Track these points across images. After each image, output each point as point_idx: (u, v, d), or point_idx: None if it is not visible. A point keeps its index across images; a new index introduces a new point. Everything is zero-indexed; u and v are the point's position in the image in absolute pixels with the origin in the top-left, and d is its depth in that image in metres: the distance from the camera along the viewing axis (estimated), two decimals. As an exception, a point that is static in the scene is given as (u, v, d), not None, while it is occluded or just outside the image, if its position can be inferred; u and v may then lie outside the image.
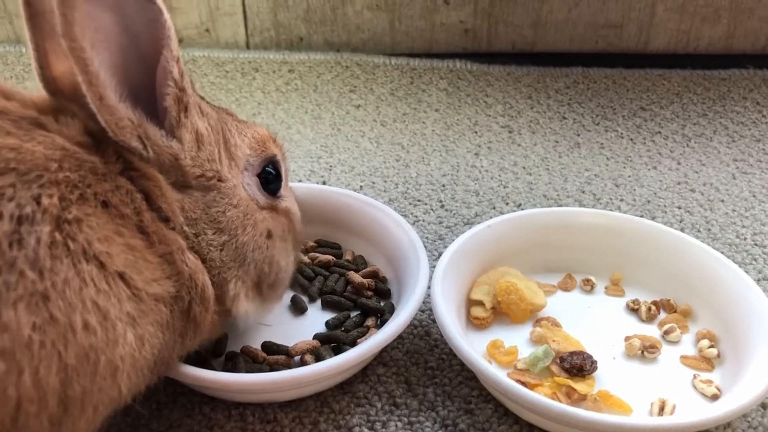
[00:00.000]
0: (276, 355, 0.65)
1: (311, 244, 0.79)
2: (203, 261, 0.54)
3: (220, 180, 0.55)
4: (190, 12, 1.28)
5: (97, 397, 0.41)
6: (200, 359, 0.64)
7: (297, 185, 0.80)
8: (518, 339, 0.68)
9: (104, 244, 0.43)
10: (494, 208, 0.91)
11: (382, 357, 0.68)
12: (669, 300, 0.72)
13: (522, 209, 0.87)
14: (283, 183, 0.63)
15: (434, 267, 0.69)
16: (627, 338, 0.68)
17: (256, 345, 0.66)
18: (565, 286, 0.75)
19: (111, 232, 0.44)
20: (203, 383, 0.59)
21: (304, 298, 0.72)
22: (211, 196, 0.54)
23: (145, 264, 0.46)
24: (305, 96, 1.19)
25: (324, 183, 0.95)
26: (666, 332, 0.69)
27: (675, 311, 0.72)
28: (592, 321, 0.71)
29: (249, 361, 0.64)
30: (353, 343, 0.66)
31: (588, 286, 0.75)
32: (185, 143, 0.52)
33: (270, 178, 0.61)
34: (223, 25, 1.30)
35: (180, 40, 1.30)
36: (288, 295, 0.73)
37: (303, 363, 0.65)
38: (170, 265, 0.49)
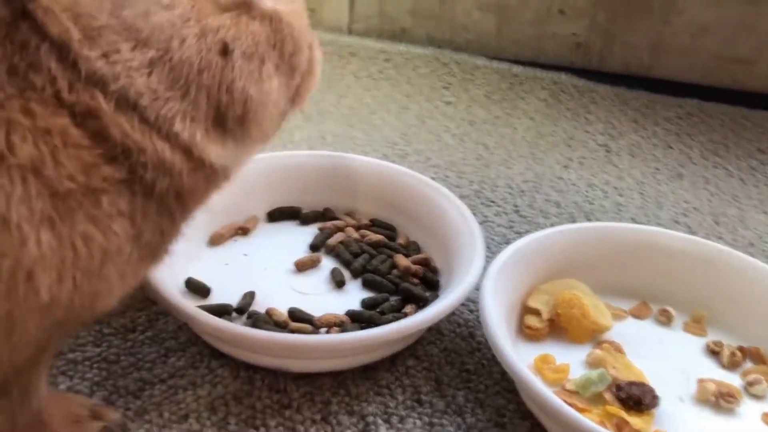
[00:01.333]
0: (300, 323, 0.59)
1: (365, 222, 0.73)
2: (133, 108, 0.40)
3: None
4: (298, -10, 1.27)
5: (4, 307, 0.36)
6: (219, 311, 0.59)
7: (356, 157, 0.76)
8: (572, 358, 0.60)
9: (3, 129, 0.35)
10: (574, 221, 0.83)
11: (415, 349, 0.61)
12: (758, 349, 0.62)
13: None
14: None
15: (493, 260, 0.62)
16: (701, 380, 0.58)
17: (283, 309, 0.61)
18: (638, 314, 0.66)
19: (17, 112, 0.36)
20: (214, 332, 0.54)
21: (345, 273, 0.66)
22: None
23: (71, 151, 0.37)
24: (396, 86, 1.14)
25: (395, 168, 0.89)
26: (749, 383, 0.59)
27: (764, 363, 0.61)
28: (663, 356, 0.62)
29: (270, 323, 0.59)
30: (386, 327, 0.59)
31: (664, 318, 0.65)
32: None
33: None
34: (329, 7, 1.28)
35: (284, 17, 1.29)
36: (328, 267, 0.67)
37: (328, 337, 0.59)
38: (105, 141, 0.39)
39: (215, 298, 0.63)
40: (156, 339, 0.60)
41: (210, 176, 0.45)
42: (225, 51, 0.42)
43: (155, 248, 0.45)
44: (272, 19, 0.45)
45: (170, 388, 0.56)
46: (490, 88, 1.14)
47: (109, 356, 0.58)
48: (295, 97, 0.50)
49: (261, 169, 0.73)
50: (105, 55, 0.38)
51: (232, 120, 0.44)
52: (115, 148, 0.39)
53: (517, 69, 1.18)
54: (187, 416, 0.53)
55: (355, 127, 1.01)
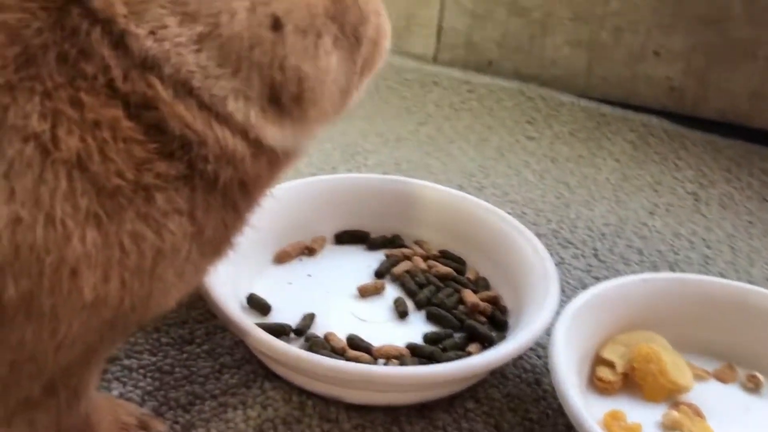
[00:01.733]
0: (358, 351, 0.57)
1: (434, 252, 0.71)
2: (189, 92, 0.37)
3: None
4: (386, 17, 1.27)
5: (48, 302, 0.34)
6: (277, 330, 0.58)
7: (429, 185, 0.73)
8: (645, 417, 0.55)
9: (48, 122, 0.33)
10: (657, 271, 0.78)
11: (475, 391, 0.58)
12: None
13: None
14: None
15: (567, 305, 0.58)
16: (791, 458, 0.53)
17: (342, 335, 0.59)
18: (722, 377, 0.61)
19: (65, 103, 0.34)
20: (268, 351, 0.52)
21: (409, 304, 0.64)
22: None
23: (121, 146, 0.35)
24: (478, 117, 1.12)
25: (470, 200, 0.87)
26: None
27: None
28: (748, 426, 0.56)
29: (327, 348, 0.57)
30: (447, 364, 0.56)
31: (752, 384, 0.60)
32: None
33: None
34: (416, 35, 1.27)
35: (370, 43, 1.29)
36: (392, 296, 0.65)
37: (385, 369, 0.56)
38: (162, 134, 0.37)
39: (275, 317, 0.61)
40: (212, 353, 0.59)
41: (272, 161, 0.43)
42: (276, 25, 0.39)
43: (218, 244, 0.43)
44: None
45: (220, 406, 0.54)
46: (575, 125, 1.11)
47: (163, 366, 0.57)
48: (363, 70, 0.47)
49: (332, 190, 0.72)
50: (152, 32, 0.36)
51: (287, 99, 0.41)
52: (172, 142, 0.37)
53: (605, 108, 1.14)
54: (234, 436, 0.52)
55: (432, 156, 0.99)
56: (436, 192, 0.73)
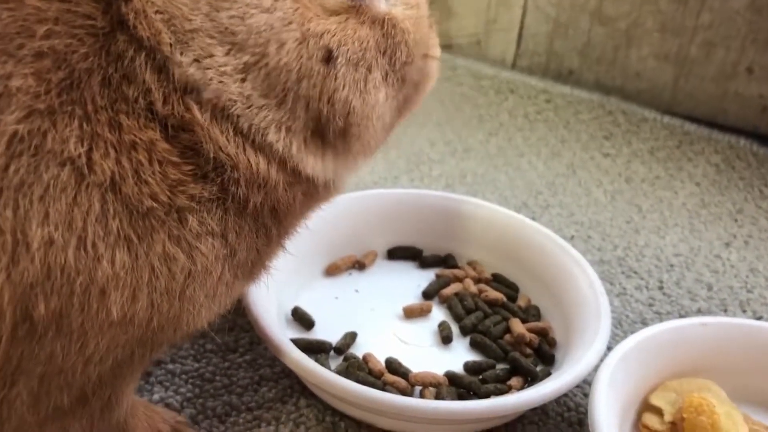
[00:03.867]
0: (395, 376, 0.56)
1: (486, 275, 0.69)
2: (227, 118, 0.38)
3: None
4: (466, 20, 1.25)
5: (77, 320, 0.35)
6: (317, 348, 0.58)
7: (487, 205, 0.71)
8: (692, 474, 0.52)
9: (85, 145, 0.34)
10: (726, 310, 0.73)
11: (514, 427, 0.56)
12: None
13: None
14: None
15: (615, 347, 0.55)
16: None
17: (381, 357, 0.58)
18: (784, 435, 0.57)
19: (103, 126, 0.35)
20: (304, 375, 0.53)
21: (454, 328, 0.62)
22: None
23: (156, 168, 0.36)
24: (552, 129, 1.08)
25: (533, 219, 0.84)
26: None
27: None
28: (807, 493, 0.52)
29: (365, 371, 0.56)
30: (484, 398, 0.55)
31: (816, 446, 0.56)
32: None
33: None
34: (495, 39, 1.24)
35: (449, 46, 1.27)
36: (437, 318, 0.64)
37: (421, 395, 0.55)
38: (197, 156, 0.37)
39: (318, 332, 0.61)
40: (253, 364, 0.60)
41: (308, 191, 0.44)
42: (328, 58, 0.39)
43: (251, 267, 0.43)
44: (384, 24, 0.42)
45: (255, 419, 0.55)
46: (655, 143, 1.06)
47: (205, 373, 0.58)
48: (401, 110, 0.47)
49: (386, 204, 0.71)
50: (197, 60, 0.37)
51: (332, 132, 0.41)
52: (207, 163, 0.38)
53: (689, 127, 1.08)
54: (264, 452, 0.52)
55: (500, 169, 0.96)
56: (494, 213, 0.71)
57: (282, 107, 0.39)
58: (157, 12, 0.36)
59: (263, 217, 0.42)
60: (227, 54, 0.38)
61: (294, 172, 0.42)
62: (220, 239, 0.40)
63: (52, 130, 0.34)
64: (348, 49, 0.40)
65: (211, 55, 0.37)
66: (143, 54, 0.36)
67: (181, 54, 0.37)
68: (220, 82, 0.38)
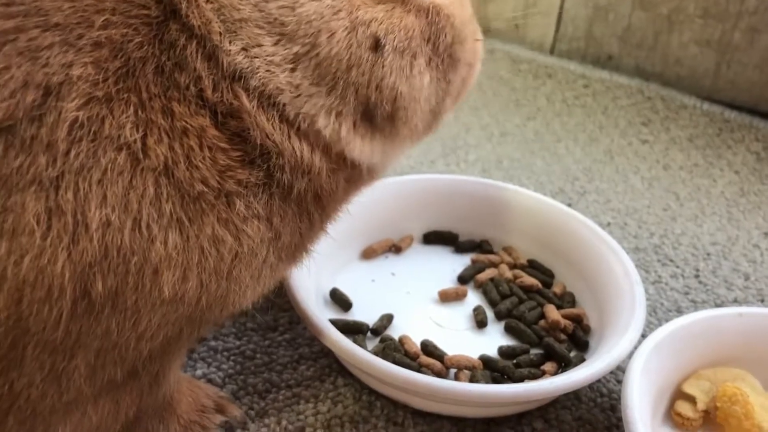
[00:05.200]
0: (431, 359, 0.57)
1: (522, 261, 0.70)
2: (273, 105, 0.39)
3: None
4: (505, 3, 1.24)
5: (132, 298, 0.37)
6: (354, 329, 0.59)
7: (523, 191, 0.72)
8: (724, 462, 0.53)
9: (140, 131, 0.35)
10: (762, 300, 0.73)
11: (546, 411, 0.57)
12: None
13: (797, 314, 0.68)
14: None
15: (650, 335, 0.56)
16: None
17: (417, 340, 0.59)
18: (818, 426, 0.57)
19: (156, 113, 0.36)
20: (337, 351, 0.54)
21: (489, 313, 0.63)
22: None
23: (206, 153, 0.37)
24: (590, 115, 1.08)
25: (569, 206, 0.84)
26: None
27: None
28: (840, 484, 0.52)
29: (401, 352, 0.58)
30: (518, 382, 0.56)
31: None
32: None
33: None
34: (534, 24, 1.24)
35: (487, 30, 1.26)
36: (472, 303, 0.65)
37: (456, 378, 0.57)
38: (244, 143, 0.39)
39: (355, 314, 0.63)
40: (292, 343, 0.61)
41: (350, 177, 0.45)
42: (376, 46, 0.41)
43: (294, 250, 0.45)
44: (429, 12, 0.43)
45: (294, 396, 0.56)
46: (694, 131, 1.05)
47: (246, 351, 0.60)
48: (449, 93, 0.48)
49: (423, 189, 0.72)
50: (245, 49, 0.38)
51: (380, 117, 0.43)
52: (254, 150, 0.39)
53: (730, 114, 1.07)
54: (303, 429, 0.54)
55: (536, 155, 0.97)
56: (531, 199, 0.71)
57: (332, 94, 0.41)
58: (207, 1, 0.38)
59: (307, 203, 0.43)
60: (276, 44, 0.39)
61: (338, 158, 0.43)
62: (265, 223, 0.41)
63: (109, 117, 0.35)
64: (395, 37, 0.42)
65: (259, 45, 0.39)
66: (194, 42, 0.38)
67: (230, 43, 0.38)
68: (268, 71, 0.39)
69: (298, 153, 0.41)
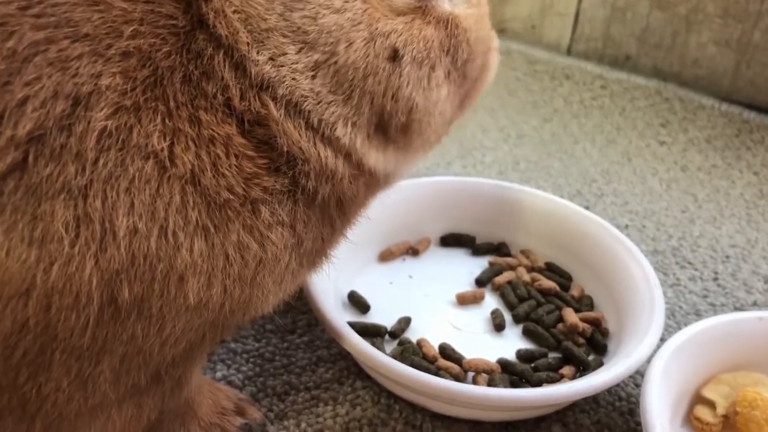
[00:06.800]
0: (449, 362, 0.58)
1: (539, 264, 0.70)
2: (299, 113, 0.40)
3: None
4: (522, 4, 1.24)
5: (157, 305, 0.37)
6: (373, 331, 0.60)
7: (540, 194, 0.72)
8: (744, 467, 0.52)
9: (167, 140, 0.36)
10: (782, 304, 0.73)
11: (564, 415, 0.57)
12: None
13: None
14: None
15: (669, 339, 0.56)
16: None
17: (435, 343, 0.60)
18: (840, 432, 0.56)
19: (184, 121, 0.37)
20: (360, 358, 0.54)
21: (507, 316, 0.63)
22: None
23: (233, 161, 0.38)
24: (607, 116, 1.07)
25: (587, 208, 0.84)
26: None
27: None
28: None
29: (419, 355, 0.58)
30: (537, 386, 0.56)
31: None
32: None
33: None
34: (551, 24, 1.23)
35: (503, 31, 1.26)
36: (490, 306, 0.65)
37: (474, 381, 0.57)
38: (271, 150, 0.40)
39: (373, 316, 0.63)
40: (311, 345, 0.62)
41: (370, 183, 0.46)
42: (394, 56, 0.42)
43: (316, 256, 0.46)
44: (448, 24, 0.44)
45: (313, 399, 0.57)
46: (713, 131, 1.04)
47: (265, 353, 0.61)
48: (462, 104, 0.48)
49: (440, 192, 0.72)
50: (272, 58, 0.39)
51: (394, 127, 0.44)
52: (280, 157, 0.40)
53: (749, 115, 1.06)
54: (321, 431, 0.54)
55: (553, 156, 0.96)
56: (548, 202, 0.71)
57: (348, 103, 0.41)
58: (234, 11, 0.38)
59: (329, 208, 0.44)
60: (299, 52, 0.40)
61: (358, 165, 0.44)
62: (289, 229, 0.42)
63: (137, 126, 0.36)
64: (413, 48, 0.42)
65: (285, 53, 0.39)
66: (222, 52, 0.38)
67: (258, 52, 0.39)
68: (293, 79, 0.40)
69: (323, 159, 0.41)
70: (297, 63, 0.40)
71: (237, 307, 0.41)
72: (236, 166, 0.39)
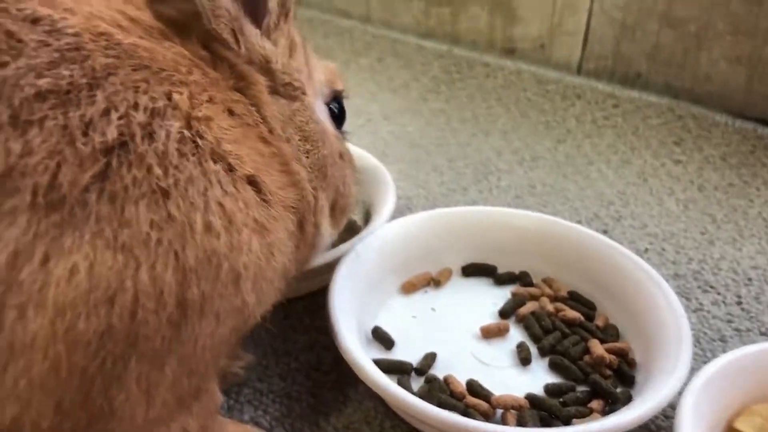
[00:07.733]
0: (477, 399, 0.57)
1: (563, 294, 0.69)
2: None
3: (304, 93, 0.52)
4: (530, 24, 1.24)
5: (217, 304, 0.39)
6: (399, 368, 0.59)
7: (561, 222, 0.71)
8: (780, 502, 0.52)
9: (234, 146, 0.41)
10: (808, 327, 0.72)
11: (595, 450, 0.56)
12: None
13: None
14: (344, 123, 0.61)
15: (699, 371, 0.55)
16: None
17: (462, 378, 0.59)
18: None
19: (240, 135, 0.43)
20: (387, 398, 0.54)
21: (532, 349, 0.63)
22: (296, 106, 0.51)
23: (273, 171, 0.45)
24: (621, 136, 1.07)
25: (605, 233, 0.84)
26: None
27: None
28: None
29: (447, 393, 0.58)
30: (566, 422, 0.56)
31: None
32: (279, 47, 0.50)
33: (335, 113, 0.59)
34: (560, 43, 1.23)
35: (512, 51, 1.27)
36: (515, 339, 0.64)
37: (503, 418, 0.56)
38: (288, 175, 0.47)
39: (397, 352, 0.63)
40: (338, 383, 0.62)
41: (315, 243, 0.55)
42: (342, 156, 0.58)
43: (287, 274, 0.49)
44: (348, 154, 0.61)
45: (341, 440, 0.56)
46: (728, 149, 1.04)
47: (292, 392, 0.61)
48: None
49: (461, 222, 0.72)
50: (288, 140, 0.50)
51: (338, 208, 0.57)
52: (291, 177, 0.48)
53: (763, 131, 1.06)
54: (351, 473, 0.54)
55: (569, 178, 0.96)
56: (568, 230, 0.71)
57: (324, 181, 0.55)
58: (272, 104, 0.50)
59: (302, 238, 0.51)
60: (300, 140, 0.52)
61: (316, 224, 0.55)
62: (293, 244, 0.48)
63: (209, 132, 0.40)
64: (347, 155, 0.61)
65: (293, 138, 0.51)
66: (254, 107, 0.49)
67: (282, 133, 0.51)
68: (299, 158, 0.52)
69: (316, 201, 0.53)
70: (301, 147, 0.52)
71: (259, 308, 0.44)
72: (275, 176, 0.46)
